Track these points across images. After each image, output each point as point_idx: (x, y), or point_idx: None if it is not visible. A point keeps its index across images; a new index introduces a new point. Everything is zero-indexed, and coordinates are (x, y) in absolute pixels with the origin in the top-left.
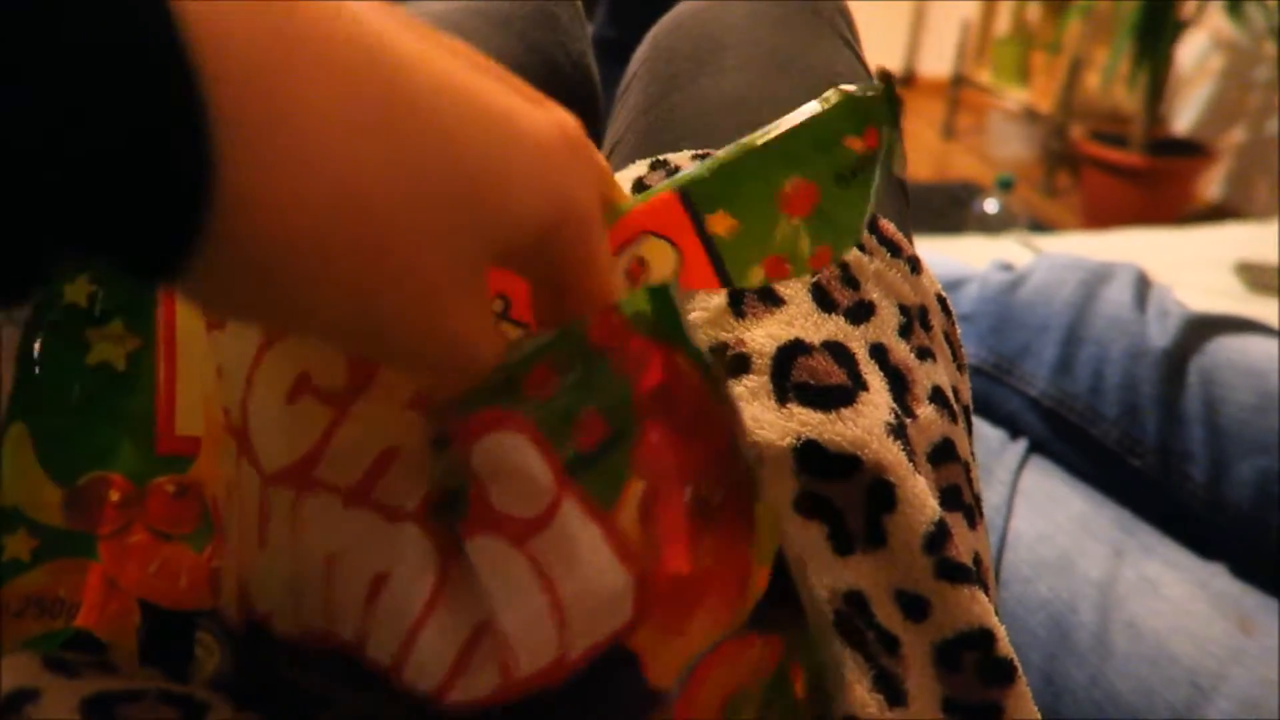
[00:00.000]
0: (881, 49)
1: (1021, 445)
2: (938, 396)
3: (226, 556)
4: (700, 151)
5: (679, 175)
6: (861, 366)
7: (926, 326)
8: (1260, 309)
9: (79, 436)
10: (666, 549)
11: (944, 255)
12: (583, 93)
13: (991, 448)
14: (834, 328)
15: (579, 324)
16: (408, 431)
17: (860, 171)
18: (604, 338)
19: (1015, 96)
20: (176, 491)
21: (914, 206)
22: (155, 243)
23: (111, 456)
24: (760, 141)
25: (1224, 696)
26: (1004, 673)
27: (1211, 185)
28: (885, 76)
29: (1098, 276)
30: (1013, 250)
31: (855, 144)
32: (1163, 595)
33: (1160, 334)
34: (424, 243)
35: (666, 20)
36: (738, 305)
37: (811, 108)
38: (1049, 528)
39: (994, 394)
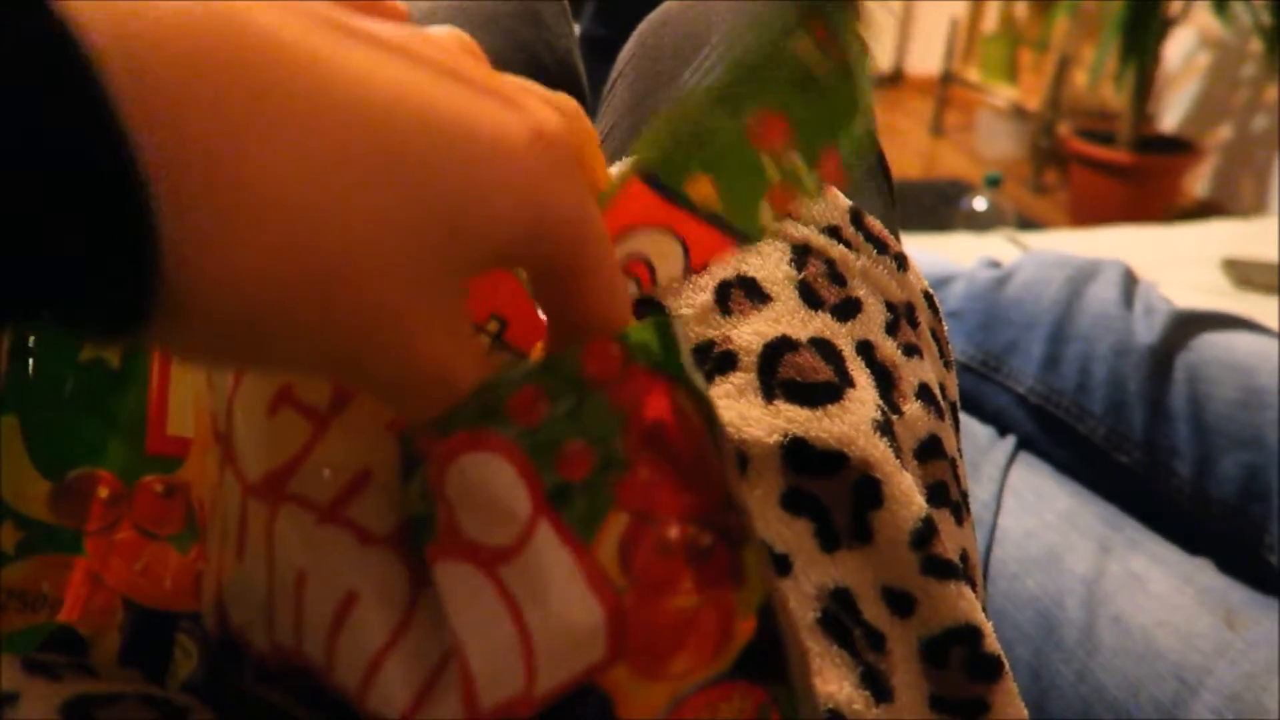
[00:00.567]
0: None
1: (1009, 442)
2: (924, 393)
3: (207, 562)
4: None
5: (631, 158)
6: (848, 363)
7: (913, 323)
8: (1246, 305)
9: (69, 432)
10: (647, 589)
11: (931, 252)
12: (568, 91)
13: (979, 444)
14: (820, 325)
15: (573, 353)
16: (385, 453)
17: (822, 71)
18: (600, 369)
19: (1003, 94)
20: (164, 491)
21: (902, 204)
22: (100, 315)
23: (101, 453)
24: (702, 89)
25: (1210, 691)
26: (991, 669)
27: (1198, 182)
28: None
29: (1084, 274)
30: (1000, 247)
31: (804, 47)
32: (1149, 590)
33: (1147, 330)
34: (383, 271)
35: (653, 18)
36: (724, 302)
37: (740, 35)
38: (1036, 524)
39: (981, 391)
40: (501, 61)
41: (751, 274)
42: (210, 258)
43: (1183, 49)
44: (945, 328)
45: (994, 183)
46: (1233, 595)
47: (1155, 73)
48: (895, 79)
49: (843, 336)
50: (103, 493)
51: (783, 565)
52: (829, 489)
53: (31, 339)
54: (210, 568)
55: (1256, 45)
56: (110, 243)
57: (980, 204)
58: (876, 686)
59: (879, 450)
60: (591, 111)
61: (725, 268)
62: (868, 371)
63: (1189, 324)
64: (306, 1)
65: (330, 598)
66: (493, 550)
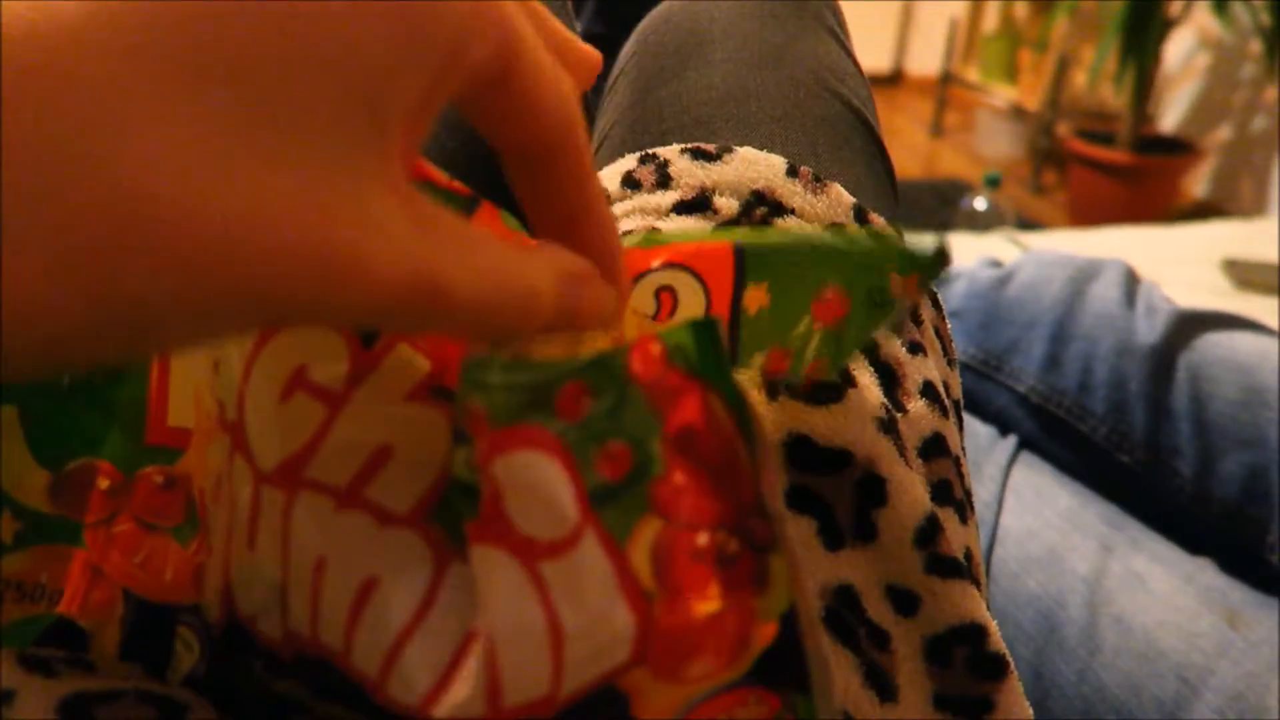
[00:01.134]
0: (870, 47)
1: (1011, 442)
2: (928, 391)
3: (211, 553)
4: (690, 145)
5: (742, 230)
6: (851, 361)
7: (916, 321)
8: (1246, 305)
9: (69, 421)
10: (674, 594)
11: None
12: None
13: (981, 444)
14: None
15: (620, 351)
16: (402, 429)
17: (884, 305)
18: (643, 369)
19: (1003, 94)
20: (164, 483)
21: (902, 204)
22: None
23: (100, 443)
24: (821, 240)
25: (1211, 691)
26: (995, 668)
27: (1197, 183)
28: (944, 248)
29: (1086, 273)
30: (1001, 247)
31: (896, 281)
32: (1150, 590)
33: (1148, 330)
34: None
35: (654, 16)
36: None
37: (873, 233)
38: (1037, 523)
39: (982, 390)
40: None
41: None
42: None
43: (1182, 50)
44: (948, 325)
45: (994, 183)
46: (1234, 595)
47: (1155, 73)
48: (895, 79)
49: None
50: (102, 484)
51: None
52: (832, 487)
53: None
54: (214, 558)
55: (1256, 46)
56: None
57: (980, 204)
58: (881, 685)
59: (883, 448)
60: (592, 108)
61: None
62: (871, 369)
63: (1191, 323)
64: None
65: (349, 583)
66: (537, 545)
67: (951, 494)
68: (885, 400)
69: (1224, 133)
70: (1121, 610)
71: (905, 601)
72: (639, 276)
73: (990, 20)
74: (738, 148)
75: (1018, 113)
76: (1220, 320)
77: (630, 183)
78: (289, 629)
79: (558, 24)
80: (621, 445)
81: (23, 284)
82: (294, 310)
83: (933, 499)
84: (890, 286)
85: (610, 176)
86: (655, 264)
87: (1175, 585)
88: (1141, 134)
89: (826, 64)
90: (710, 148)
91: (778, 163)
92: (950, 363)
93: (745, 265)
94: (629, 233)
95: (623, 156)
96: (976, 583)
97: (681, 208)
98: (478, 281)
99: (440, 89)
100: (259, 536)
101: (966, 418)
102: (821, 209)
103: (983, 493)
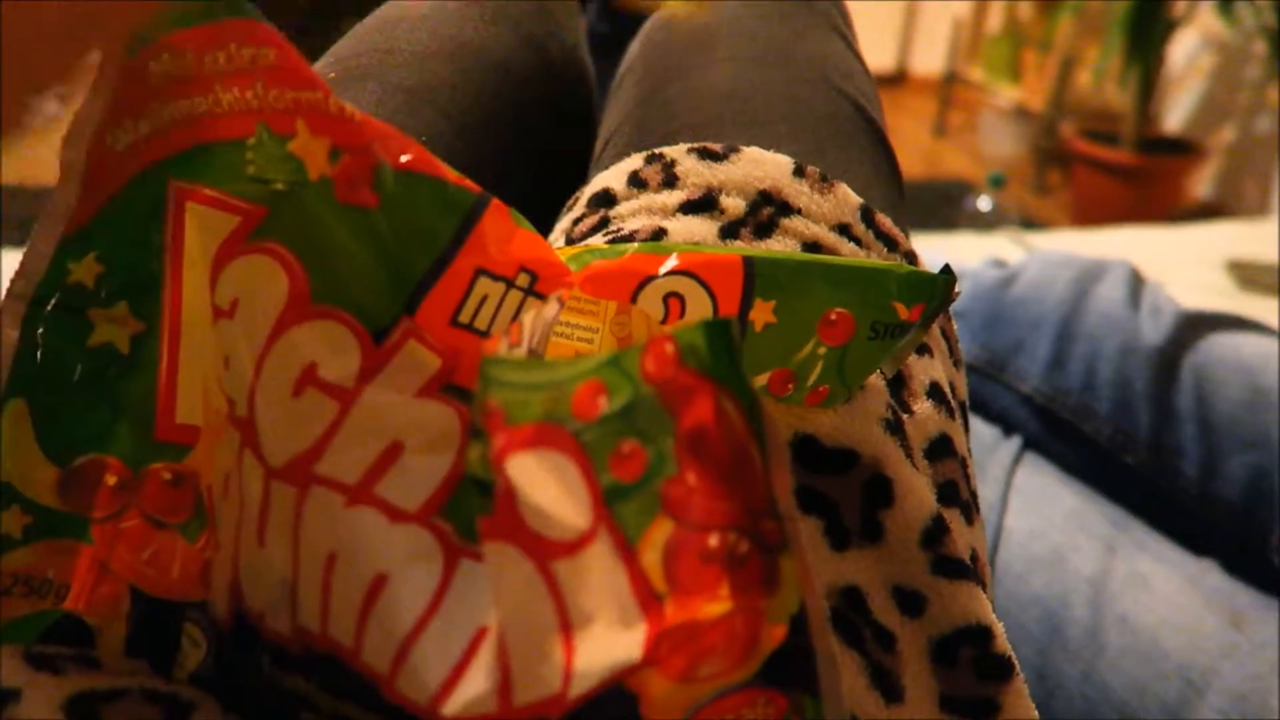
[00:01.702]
0: (873, 46)
1: (1015, 442)
2: (935, 392)
3: (219, 550)
4: (696, 145)
5: (755, 248)
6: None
7: None
8: (1251, 307)
9: (77, 417)
10: (684, 595)
11: (936, 252)
12: (577, 85)
13: (985, 444)
14: None
15: (635, 350)
16: (413, 426)
17: (890, 335)
18: (657, 368)
19: (1006, 94)
20: (172, 479)
21: (905, 204)
22: None
23: (108, 439)
24: (829, 260)
25: (1216, 692)
26: (1001, 669)
27: (1201, 184)
28: (949, 273)
29: (1091, 274)
30: (1005, 248)
31: (901, 310)
32: (1155, 591)
33: (1153, 331)
34: None
35: (660, 14)
36: None
37: (884, 262)
38: (1041, 524)
39: (986, 391)
40: (510, 56)
41: None
42: None
43: (1187, 50)
44: (954, 326)
45: (998, 183)
46: (1239, 596)
47: (1159, 74)
48: (898, 78)
49: None
50: (110, 479)
51: None
52: (839, 487)
53: (40, 325)
54: (223, 554)
55: (1261, 47)
56: None
57: (984, 204)
58: (886, 686)
59: (889, 448)
60: (598, 107)
61: None
62: (878, 369)
63: (1196, 324)
64: None
65: (360, 579)
66: (550, 543)
67: (957, 495)
68: (891, 401)
69: (1228, 133)
70: (1126, 611)
71: (911, 602)
72: (647, 280)
73: (994, 20)
74: (744, 147)
75: (1021, 113)
76: (1225, 321)
77: (636, 182)
78: (298, 625)
79: None
80: (635, 445)
81: None
82: None
83: (939, 500)
84: (896, 312)
85: (616, 176)
86: (664, 270)
87: (1179, 586)
88: (1145, 134)
89: (833, 63)
90: (717, 147)
91: (784, 162)
92: (956, 363)
93: (754, 280)
94: (635, 232)
95: (629, 156)
96: (982, 584)
97: (688, 207)
98: None
99: None
100: (269, 533)
101: (971, 418)
102: (828, 209)
103: (987, 493)
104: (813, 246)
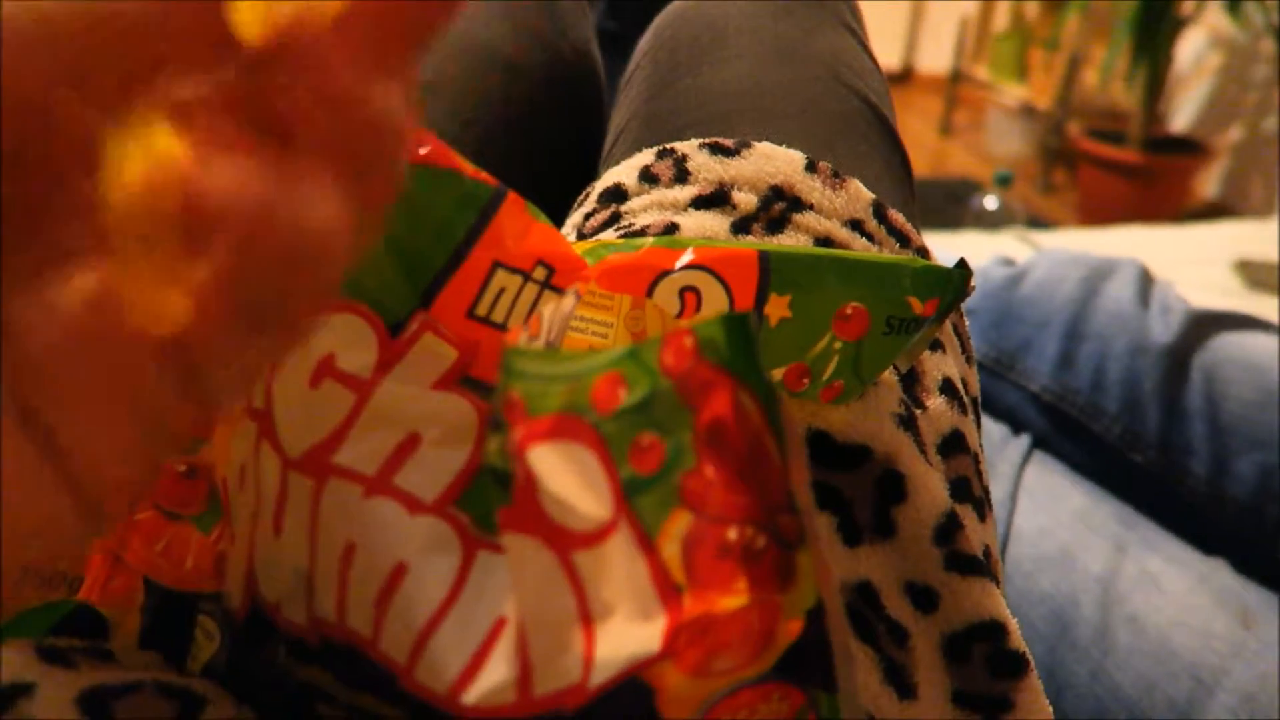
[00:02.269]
0: (880, 44)
1: (1024, 441)
2: (947, 388)
3: (234, 541)
4: (708, 140)
5: (771, 243)
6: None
7: None
8: (1259, 306)
9: None
10: (701, 588)
11: (943, 251)
12: (587, 82)
13: (993, 443)
14: None
15: (653, 344)
16: (430, 417)
17: (905, 330)
18: (675, 361)
19: (1013, 93)
20: (186, 472)
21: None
22: None
23: None
24: (844, 255)
25: (1225, 691)
26: (1015, 665)
27: (1208, 183)
28: (964, 267)
29: (1100, 272)
30: (1012, 246)
31: (915, 304)
32: (1164, 590)
33: (1163, 330)
34: None
35: (670, 11)
36: None
37: (898, 256)
38: (1050, 523)
39: (994, 389)
40: (519, 53)
41: None
42: None
43: (1194, 49)
44: (966, 323)
45: (1004, 181)
46: (1248, 595)
47: (1166, 73)
48: (905, 77)
49: None
50: None
51: None
52: (852, 483)
53: None
54: (238, 546)
55: (1268, 46)
56: None
57: (991, 203)
58: (900, 682)
59: (902, 444)
60: (607, 104)
61: None
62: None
63: (1205, 324)
64: None
65: (378, 570)
66: (570, 534)
67: (970, 491)
68: (904, 396)
69: (1235, 133)
70: (1135, 610)
71: (924, 598)
72: (663, 274)
73: (1001, 18)
74: (756, 143)
75: (1028, 111)
76: (1235, 321)
77: (648, 177)
78: (314, 616)
79: None
80: (654, 437)
81: None
82: None
83: (952, 496)
84: (911, 307)
85: (628, 171)
86: (680, 264)
87: (1189, 585)
88: (1152, 134)
89: (844, 59)
90: (728, 143)
91: (796, 158)
92: (968, 359)
93: (770, 275)
94: (647, 227)
95: (640, 151)
96: (995, 580)
97: (700, 202)
98: None
99: None
100: (285, 523)
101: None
102: (840, 204)
103: (996, 491)
104: (825, 242)
